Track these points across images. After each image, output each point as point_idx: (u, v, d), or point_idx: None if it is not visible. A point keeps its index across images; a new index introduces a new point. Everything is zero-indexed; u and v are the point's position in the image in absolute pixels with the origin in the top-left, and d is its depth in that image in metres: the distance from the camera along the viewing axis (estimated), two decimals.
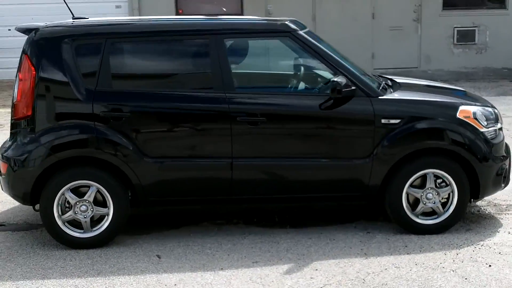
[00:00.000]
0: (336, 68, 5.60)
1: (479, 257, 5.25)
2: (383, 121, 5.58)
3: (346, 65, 5.68)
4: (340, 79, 5.43)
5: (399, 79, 6.54)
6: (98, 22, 5.68)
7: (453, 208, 5.73)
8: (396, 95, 5.77)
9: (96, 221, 5.54)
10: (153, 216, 6.31)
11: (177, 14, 14.51)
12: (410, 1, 15.03)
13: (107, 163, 5.42)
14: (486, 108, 5.96)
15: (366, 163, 5.58)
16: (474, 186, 5.75)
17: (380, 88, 5.82)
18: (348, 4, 14.86)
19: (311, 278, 4.93)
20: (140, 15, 14.24)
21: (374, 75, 6.46)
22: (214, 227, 6.02)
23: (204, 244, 5.59)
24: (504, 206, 6.48)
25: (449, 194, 5.73)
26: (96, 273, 5.07)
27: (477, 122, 5.72)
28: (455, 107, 5.74)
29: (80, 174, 5.42)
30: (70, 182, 5.40)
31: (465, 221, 6.07)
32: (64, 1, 6.21)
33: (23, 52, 5.48)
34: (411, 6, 15.06)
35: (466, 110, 5.74)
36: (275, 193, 5.66)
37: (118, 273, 5.05)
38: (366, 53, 14.97)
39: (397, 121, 5.59)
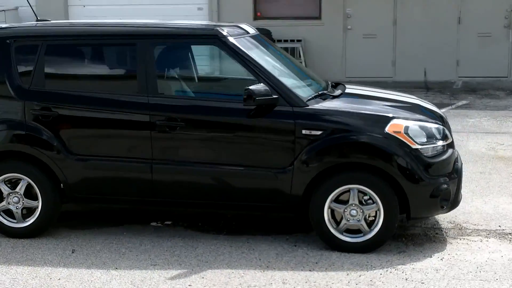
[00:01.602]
0: (259, 75, 5.53)
1: (379, 281, 4.99)
2: (304, 131, 5.44)
3: (272, 73, 5.58)
4: (256, 86, 5.36)
5: (351, 88, 6.32)
6: (38, 25, 6.03)
7: (379, 227, 5.46)
8: (323, 105, 5.58)
9: (30, 212, 5.88)
10: (110, 212, 6.58)
11: (255, 17, 14.66)
12: (501, 6, 14.12)
13: (36, 159, 5.74)
14: (430, 124, 5.61)
15: (286, 174, 5.47)
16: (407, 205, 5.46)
17: (312, 97, 5.66)
18: (433, 8, 14.22)
19: (189, 285, 4.94)
20: (218, 18, 14.58)
21: (327, 83, 6.30)
22: (152, 228, 6.16)
23: (125, 244, 5.75)
24: (470, 231, 6.05)
25: (376, 212, 5.48)
26: (4, 260, 5.41)
27: (408, 138, 5.40)
28: (385, 121, 5.46)
29: (12, 168, 5.80)
30: (3, 174, 5.79)
31: (407, 241, 5.76)
32: (28, 3, 6.61)
33: None
34: (501, 11, 14.14)
35: (397, 125, 5.44)
36: (196, 198, 5.70)
37: (21, 263, 5.36)
38: (450, 59, 14.27)
39: (319, 132, 5.43)
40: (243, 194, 5.61)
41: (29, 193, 5.82)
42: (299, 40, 14.35)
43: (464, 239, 5.84)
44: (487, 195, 6.99)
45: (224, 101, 5.70)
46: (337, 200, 5.49)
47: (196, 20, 13.24)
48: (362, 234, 5.51)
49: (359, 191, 5.45)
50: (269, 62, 5.83)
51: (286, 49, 14.32)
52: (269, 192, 5.56)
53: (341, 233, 5.52)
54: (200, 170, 5.59)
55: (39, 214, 5.81)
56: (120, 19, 13.65)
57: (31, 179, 5.76)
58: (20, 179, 5.80)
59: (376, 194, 5.39)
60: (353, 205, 5.45)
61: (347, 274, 5.11)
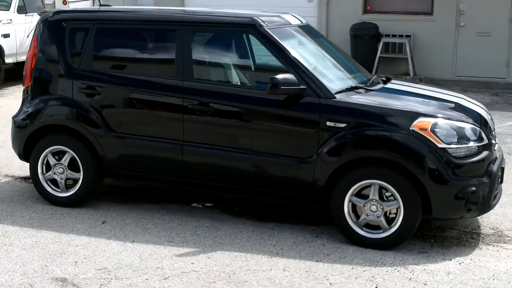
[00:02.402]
0: (289, 65, 5.54)
1: (380, 278, 4.87)
2: (328, 123, 5.40)
3: (302, 63, 5.56)
4: (282, 76, 5.38)
5: (394, 84, 6.17)
6: (91, 10, 6.38)
7: (398, 224, 5.32)
8: (351, 99, 5.49)
9: (74, 183, 6.26)
10: (157, 190, 6.85)
11: (365, 10, 14.47)
12: None
13: (80, 134, 6.11)
14: (463, 124, 5.37)
15: (309, 164, 5.46)
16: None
17: (343, 90, 5.59)
18: None
19: (192, 263, 5.08)
20: (327, 9, 14.53)
21: (372, 77, 6.20)
22: (189, 208, 6.35)
23: (154, 220, 5.98)
24: (509, 239, 5.74)
25: (397, 209, 5.33)
26: (37, 225, 5.82)
27: (434, 136, 5.21)
28: (412, 118, 5.29)
29: (59, 140, 6.20)
30: (51, 146, 6.21)
31: (434, 243, 5.57)
32: None
33: (34, 32, 6.42)
34: None
35: (423, 122, 5.26)
36: (222, 182, 5.81)
37: (51, 228, 5.73)
38: None
39: (343, 125, 5.36)
40: (267, 181, 5.65)
41: (73, 166, 6.20)
42: (408, 36, 13.99)
43: (498, 246, 5.55)
44: None
45: (254, 89, 5.76)
46: (358, 194, 5.41)
47: (305, 12, 13.38)
48: (381, 231, 5.39)
49: (381, 187, 5.33)
50: (307, 52, 5.83)
51: (393, 44, 14.05)
52: (292, 181, 5.56)
53: (361, 227, 5.43)
54: (226, 155, 5.70)
55: (80, 186, 6.18)
56: (230, 9, 14.00)
57: (75, 153, 6.13)
58: (65, 152, 6.19)
59: (397, 191, 5.25)
60: (374, 200, 5.34)
61: (352, 268, 5.03)
